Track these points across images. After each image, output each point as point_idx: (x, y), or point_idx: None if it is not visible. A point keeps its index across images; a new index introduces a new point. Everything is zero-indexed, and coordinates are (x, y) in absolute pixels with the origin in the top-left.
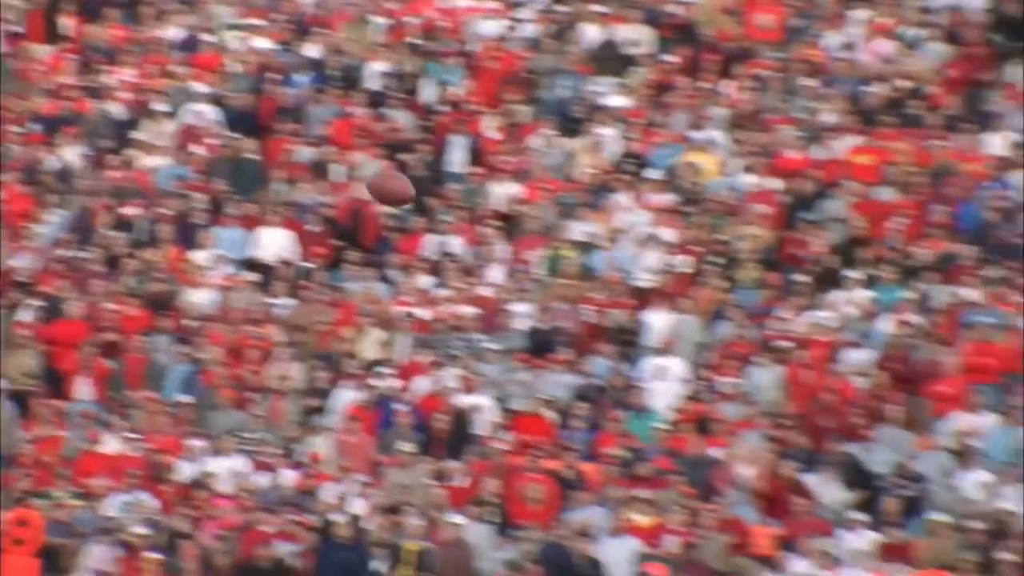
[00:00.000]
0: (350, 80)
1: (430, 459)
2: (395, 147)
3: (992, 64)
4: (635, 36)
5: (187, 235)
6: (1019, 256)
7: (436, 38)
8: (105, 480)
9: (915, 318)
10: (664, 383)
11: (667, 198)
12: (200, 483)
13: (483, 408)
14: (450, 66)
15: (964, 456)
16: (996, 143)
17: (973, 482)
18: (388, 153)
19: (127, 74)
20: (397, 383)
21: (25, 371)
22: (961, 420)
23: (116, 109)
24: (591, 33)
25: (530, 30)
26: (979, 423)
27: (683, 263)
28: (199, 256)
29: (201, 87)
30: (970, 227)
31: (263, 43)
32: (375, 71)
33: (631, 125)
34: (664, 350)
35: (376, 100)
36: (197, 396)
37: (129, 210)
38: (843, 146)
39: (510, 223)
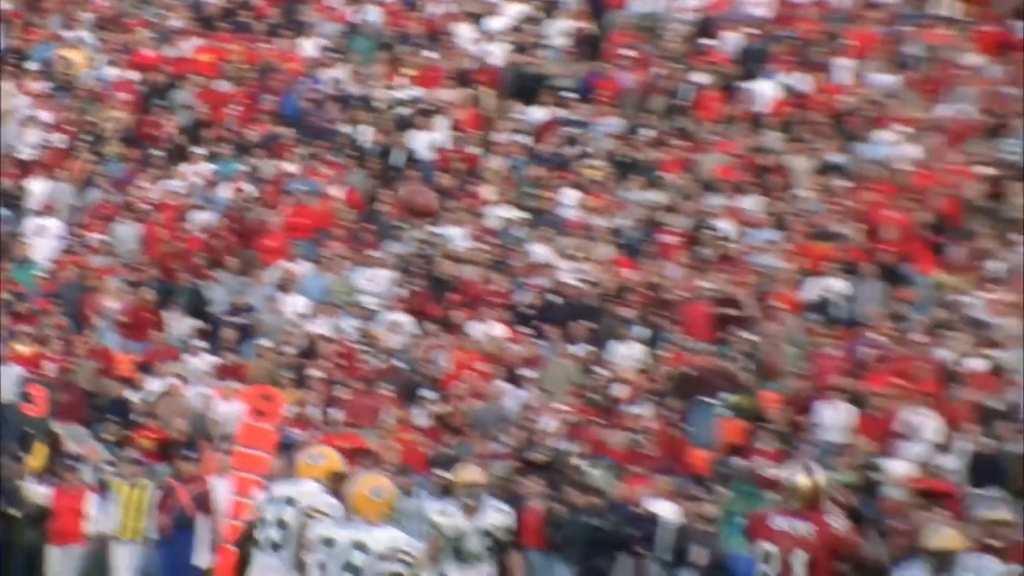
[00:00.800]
0: None
1: None
2: None
3: None
4: None
5: None
6: (327, 137)
7: None
8: None
9: (248, 186)
10: (43, 239)
11: (44, 86)
12: None
13: None
14: None
15: (285, 290)
16: (309, 47)
17: (292, 311)
18: None
19: None
20: None
21: None
22: (284, 267)
23: None
24: None
25: None
26: (298, 270)
27: (58, 140)
28: None
29: None
30: (290, 113)
31: None
32: None
33: (12, 25)
34: (43, 212)
35: None
36: None
37: None
38: (188, 46)
39: None
